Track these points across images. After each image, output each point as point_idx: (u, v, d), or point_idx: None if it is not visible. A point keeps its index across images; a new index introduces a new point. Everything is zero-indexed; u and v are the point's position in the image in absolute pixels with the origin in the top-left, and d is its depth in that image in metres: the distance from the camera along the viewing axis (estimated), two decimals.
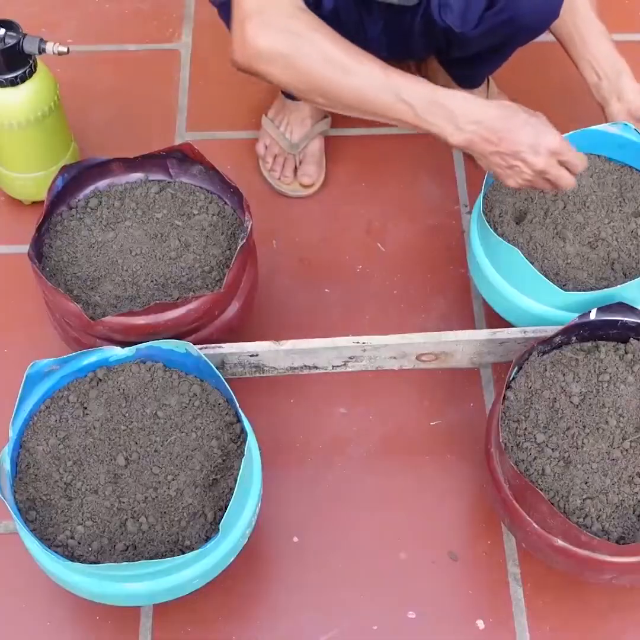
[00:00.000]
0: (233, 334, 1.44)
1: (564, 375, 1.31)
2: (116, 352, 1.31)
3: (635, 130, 1.47)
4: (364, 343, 1.42)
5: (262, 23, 1.22)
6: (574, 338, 1.34)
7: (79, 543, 1.19)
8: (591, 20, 1.52)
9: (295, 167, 1.75)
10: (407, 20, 1.55)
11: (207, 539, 1.20)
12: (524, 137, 1.25)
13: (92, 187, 1.46)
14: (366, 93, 1.24)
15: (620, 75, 1.50)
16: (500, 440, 1.22)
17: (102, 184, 1.46)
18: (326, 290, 1.65)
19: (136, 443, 1.27)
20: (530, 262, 1.36)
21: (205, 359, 1.28)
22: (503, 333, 1.42)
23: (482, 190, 1.41)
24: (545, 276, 1.36)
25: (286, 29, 1.22)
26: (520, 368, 1.32)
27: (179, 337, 1.34)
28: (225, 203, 1.46)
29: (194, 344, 1.31)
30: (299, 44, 1.23)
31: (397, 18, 1.53)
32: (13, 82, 1.51)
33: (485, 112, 1.24)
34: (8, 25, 1.47)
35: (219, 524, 1.16)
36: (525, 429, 1.27)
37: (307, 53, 1.23)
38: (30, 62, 1.51)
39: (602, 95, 1.52)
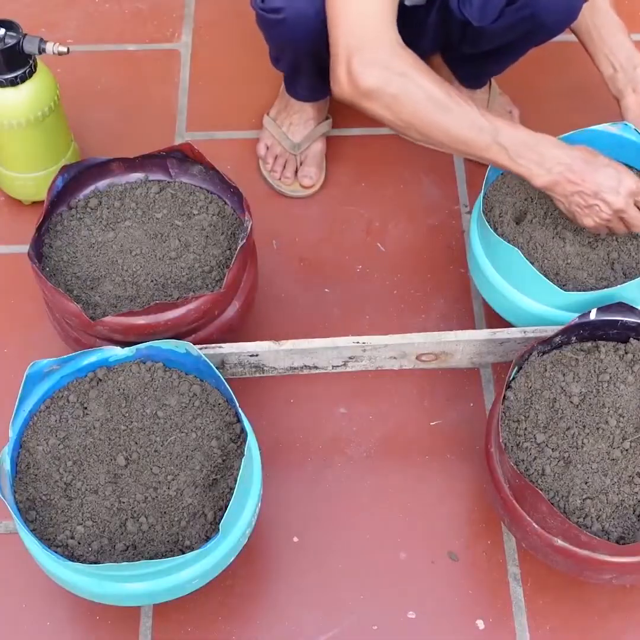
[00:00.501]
0: (233, 333, 1.44)
1: (564, 375, 1.31)
2: (116, 352, 1.31)
3: (636, 130, 1.47)
4: (364, 343, 1.42)
5: (368, 61, 1.26)
6: (574, 338, 1.34)
7: (79, 543, 1.19)
8: (608, 14, 1.54)
9: (296, 168, 1.75)
10: (421, 15, 1.54)
11: (207, 539, 1.20)
12: (605, 178, 1.32)
13: (92, 187, 1.46)
14: (464, 133, 1.30)
15: (637, 67, 1.52)
16: (500, 440, 1.22)
17: (102, 184, 1.46)
18: (326, 290, 1.65)
19: (136, 443, 1.27)
20: (530, 262, 1.36)
21: (205, 359, 1.28)
22: (503, 333, 1.42)
23: (482, 190, 1.41)
24: (545, 276, 1.36)
25: (391, 68, 1.27)
26: (520, 368, 1.32)
27: (178, 337, 1.34)
28: (225, 203, 1.46)
29: (194, 344, 1.31)
30: (404, 84, 1.27)
31: (412, 13, 1.52)
32: (13, 82, 1.51)
33: (571, 155, 1.32)
34: (8, 25, 1.47)
35: (219, 524, 1.16)
36: (525, 429, 1.27)
37: (412, 93, 1.27)
38: (30, 62, 1.51)
39: (618, 88, 1.54)
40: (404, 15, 1.53)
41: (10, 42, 1.46)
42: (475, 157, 1.33)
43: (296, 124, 1.75)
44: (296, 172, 1.75)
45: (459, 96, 1.30)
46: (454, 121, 1.29)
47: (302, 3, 1.40)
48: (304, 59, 1.57)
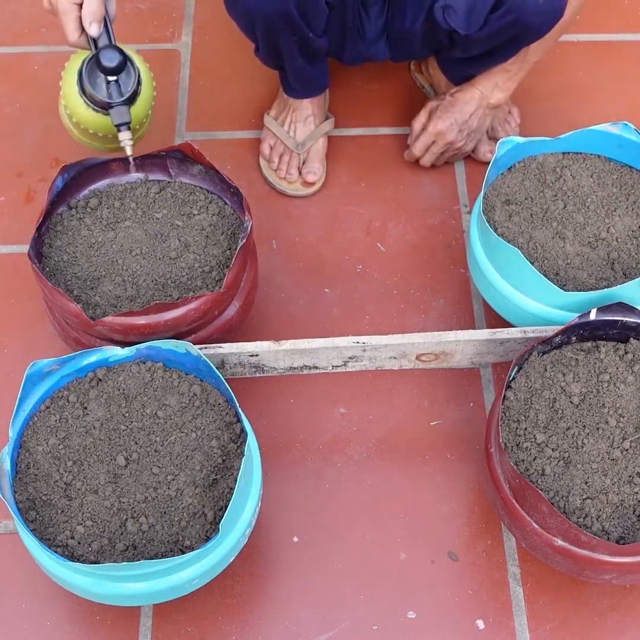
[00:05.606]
0: (233, 333, 1.44)
1: (564, 375, 1.31)
2: (116, 352, 1.31)
3: (636, 130, 1.47)
4: (364, 343, 1.42)
5: None
6: (574, 338, 1.34)
7: (79, 543, 1.20)
8: None
9: (299, 166, 1.75)
10: (408, 22, 1.54)
11: (207, 539, 1.20)
12: None
13: (92, 187, 1.46)
14: None
15: None
16: (500, 440, 1.22)
17: (102, 184, 1.46)
18: (326, 290, 1.65)
19: (136, 443, 1.27)
20: (530, 262, 1.36)
21: (205, 359, 1.28)
22: (503, 333, 1.42)
23: (482, 190, 1.41)
24: (545, 276, 1.36)
25: None
26: (520, 368, 1.32)
27: (178, 337, 1.34)
28: (225, 203, 1.46)
29: (194, 344, 1.31)
30: None
31: (398, 19, 1.52)
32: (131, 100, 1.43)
33: None
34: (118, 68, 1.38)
35: (219, 524, 1.16)
36: (525, 429, 1.27)
37: None
38: (137, 78, 1.44)
39: None
40: (392, 23, 1.54)
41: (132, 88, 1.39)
42: None
43: (297, 122, 1.74)
44: (299, 169, 1.75)
45: None
46: None
47: None
48: (281, 38, 1.51)
